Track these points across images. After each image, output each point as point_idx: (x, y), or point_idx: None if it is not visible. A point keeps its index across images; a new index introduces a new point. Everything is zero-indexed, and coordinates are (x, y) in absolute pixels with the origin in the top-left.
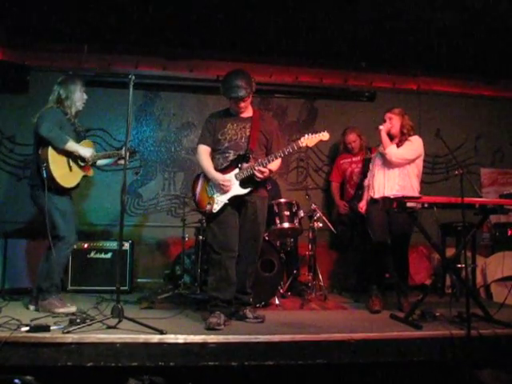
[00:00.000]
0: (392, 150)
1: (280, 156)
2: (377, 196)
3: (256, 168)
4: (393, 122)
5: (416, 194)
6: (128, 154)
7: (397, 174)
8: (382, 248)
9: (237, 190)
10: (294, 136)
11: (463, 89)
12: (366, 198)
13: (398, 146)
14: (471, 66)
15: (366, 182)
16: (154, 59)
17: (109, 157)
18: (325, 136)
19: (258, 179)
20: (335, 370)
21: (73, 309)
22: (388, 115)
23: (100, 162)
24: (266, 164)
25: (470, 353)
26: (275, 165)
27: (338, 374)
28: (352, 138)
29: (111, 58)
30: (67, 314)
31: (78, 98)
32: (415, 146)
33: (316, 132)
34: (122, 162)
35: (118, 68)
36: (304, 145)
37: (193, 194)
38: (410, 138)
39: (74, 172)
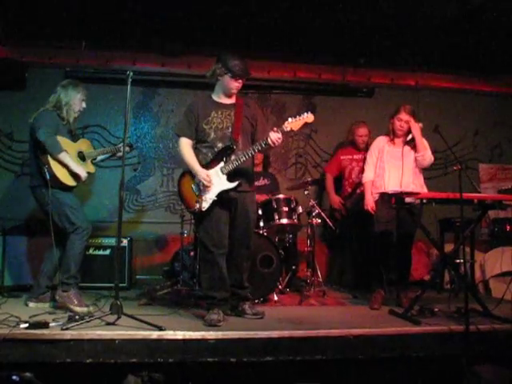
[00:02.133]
0: (431, 158)
1: (265, 145)
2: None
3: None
4: (405, 127)
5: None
6: (128, 148)
7: (411, 173)
8: (384, 242)
9: (224, 184)
10: (292, 132)
11: (462, 84)
12: (369, 194)
13: (407, 145)
14: (470, 62)
15: (365, 179)
16: (152, 56)
17: (106, 153)
18: (309, 118)
19: (274, 146)
20: (334, 366)
21: (85, 309)
22: (406, 118)
23: (98, 158)
24: (252, 152)
25: (468, 348)
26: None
27: (336, 370)
28: (363, 131)
29: (109, 55)
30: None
31: (76, 105)
32: (428, 146)
33: (300, 114)
34: (119, 154)
35: (116, 64)
36: (289, 129)
37: (179, 193)
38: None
39: None
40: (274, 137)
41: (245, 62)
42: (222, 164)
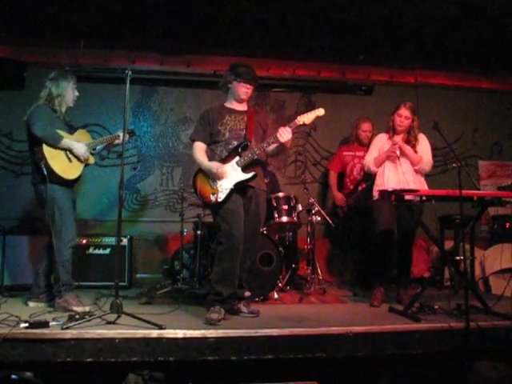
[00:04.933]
0: (429, 165)
1: (274, 138)
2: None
3: (280, 132)
4: (405, 123)
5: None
6: (127, 135)
7: (411, 171)
8: (386, 240)
9: (240, 175)
10: (304, 126)
11: (461, 81)
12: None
13: (406, 143)
14: (469, 59)
15: (366, 161)
16: (151, 54)
17: (104, 142)
18: (320, 111)
19: (282, 140)
20: (334, 364)
21: (87, 308)
22: (405, 113)
23: (98, 147)
24: (265, 147)
25: (468, 345)
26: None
27: (337, 368)
28: (368, 127)
29: (108, 54)
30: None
31: (69, 95)
32: (429, 145)
33: (311, 110)
34: (118, 141)
35: (114, 63)
36: (301, 122)
37: (194, 189)
38: (425, 143)
39: (74, 163)
40: (282, 130)
41: (253, 69)
42: (237, 158)
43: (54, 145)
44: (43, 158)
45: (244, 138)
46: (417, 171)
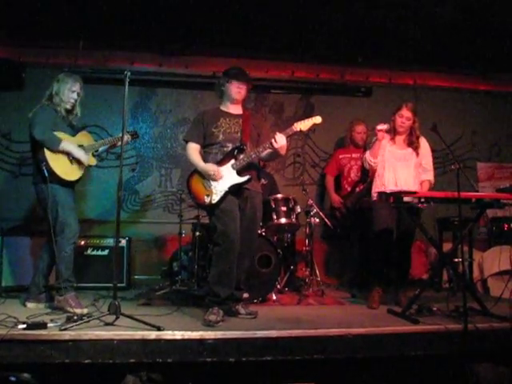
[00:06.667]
0: (432, 175)
1: (270, 144)
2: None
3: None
4: (406, 124)
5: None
6: (129, 137)
7: (412, 174)
8: (384, 241)
9: (235, 178)
10: (301, 132)
11: (459, 83)
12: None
13: (408, 145)
14: (467, 61)
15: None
16: (149, 55)
17: (106, 144)
18: (317, 119)
19: (276, 146)
20: (333, 365)
21: (85, 310)
22: (407, 114)
23: (101, 149)
24: (261, 151)
25: (467, 347)
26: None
27: (335, 369)
28: (362, 128)
29: (107, 55)
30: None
31: (65, 95)
32: (430, 151)
33: (309, 117)
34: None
35: (113, 64)
36: (298, 129)
37: (188, 190)
38: (426, 146)
39: (75, 165)
40: (277, 137)
41: (244, 71)
42: (232, 161)
43: (52, 149)
44: (45, 159)
45: (240, 141)
46: (417, 170)
